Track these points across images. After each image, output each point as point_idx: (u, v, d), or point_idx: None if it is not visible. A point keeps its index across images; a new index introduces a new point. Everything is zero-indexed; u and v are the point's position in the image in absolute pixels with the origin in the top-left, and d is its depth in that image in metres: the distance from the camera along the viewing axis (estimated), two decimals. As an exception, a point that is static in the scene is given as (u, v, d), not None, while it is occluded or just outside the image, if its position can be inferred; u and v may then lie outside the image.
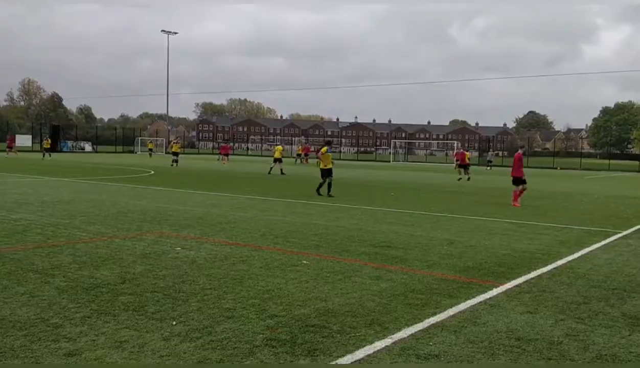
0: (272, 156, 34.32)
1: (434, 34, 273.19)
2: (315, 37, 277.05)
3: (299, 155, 56.59)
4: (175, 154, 39.76)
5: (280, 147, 34.51)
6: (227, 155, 49.55)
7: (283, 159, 33.17)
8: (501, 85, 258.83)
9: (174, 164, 37.95)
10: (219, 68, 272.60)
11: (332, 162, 19.72)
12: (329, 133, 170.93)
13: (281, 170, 31.77)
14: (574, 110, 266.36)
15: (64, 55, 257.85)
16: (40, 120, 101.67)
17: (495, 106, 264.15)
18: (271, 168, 32.36)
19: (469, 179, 30.81)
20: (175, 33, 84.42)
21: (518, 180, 17.86)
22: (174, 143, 42.55)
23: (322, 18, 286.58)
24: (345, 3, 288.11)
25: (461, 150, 34.71)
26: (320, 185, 19.28)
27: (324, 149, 19.63)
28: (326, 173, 19.22)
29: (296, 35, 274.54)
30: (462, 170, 31.51)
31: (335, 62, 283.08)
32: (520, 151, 19.47)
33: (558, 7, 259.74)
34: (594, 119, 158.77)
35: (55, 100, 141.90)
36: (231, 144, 64.08)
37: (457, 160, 34.30)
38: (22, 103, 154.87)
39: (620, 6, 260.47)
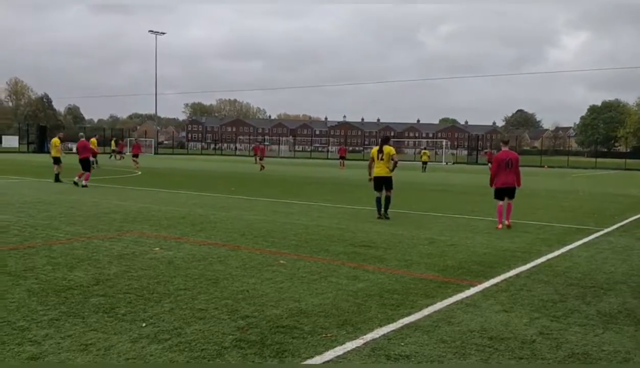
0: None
1: (404, 38, 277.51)
2: (294, 41, 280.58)
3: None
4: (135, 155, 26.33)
5: (56, 140, 23.01)
6: (136, 155, 37.89)
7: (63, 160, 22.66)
8: (489, 85, 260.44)
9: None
10: (204, 70, 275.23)
11: (390, 167, 13.45)
12: (317, 132, 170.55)
13: (57, 175, 22.30)
14: (563, 108, 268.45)
15: (53, 58, 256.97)
16: (27, 122, 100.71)
17: (485, 104, 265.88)
18: (57, 175, 22.40)
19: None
20: (163, 33, 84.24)
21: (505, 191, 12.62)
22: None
23: (297, 24, 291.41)
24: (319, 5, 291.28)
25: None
26: (377, 201, 13.51)
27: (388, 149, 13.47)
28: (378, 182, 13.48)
29: (276, 39, 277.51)
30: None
31: (315, 65, 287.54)
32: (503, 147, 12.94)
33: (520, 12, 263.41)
34: (582, 118, 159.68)
35: (45, 101, 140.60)
36: (141, 142, 50.91)
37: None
38: (10, 104, 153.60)
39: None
